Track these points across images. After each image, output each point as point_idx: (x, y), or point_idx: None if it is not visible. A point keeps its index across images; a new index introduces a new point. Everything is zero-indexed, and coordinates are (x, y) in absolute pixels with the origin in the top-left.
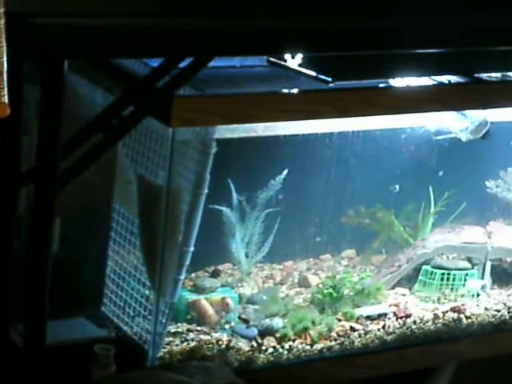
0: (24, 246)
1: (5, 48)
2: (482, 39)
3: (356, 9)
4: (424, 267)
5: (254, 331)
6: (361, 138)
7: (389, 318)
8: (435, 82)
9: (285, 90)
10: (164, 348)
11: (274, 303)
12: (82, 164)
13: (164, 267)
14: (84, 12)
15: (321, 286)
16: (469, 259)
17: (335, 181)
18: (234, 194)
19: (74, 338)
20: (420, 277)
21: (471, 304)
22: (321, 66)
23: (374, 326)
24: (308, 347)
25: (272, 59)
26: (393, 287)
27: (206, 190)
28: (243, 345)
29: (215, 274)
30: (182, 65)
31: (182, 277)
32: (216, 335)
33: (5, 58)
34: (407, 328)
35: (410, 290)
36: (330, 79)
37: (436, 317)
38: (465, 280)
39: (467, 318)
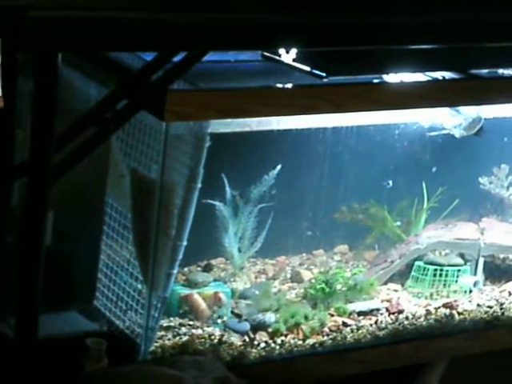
0: (16, 240)
1: None
2: (475, 35)
3: (351, 4)
4: (417, 263)
5: (247, 326)
6: (354, 134)
7: (381, 314)
8: (429, 78)
9: (279, 85)
10: (156, 342)
11: (266, 298)
12: (75, 157)
13: (157, 261)
14: (78, 5)
15: (313, 281)
16: (461, 255)
17: (328, 176)
18: (228, 189)
19: (66, 331)
20: (413, 273)
21: (464, 300)
22: (315, 61)
23: (366, 322)
24: (300, 342)
25: (266, 54)
26: (385, 283)
27: (199, 185)
28: (235, 339)
29: (207, 269)
30: (176, 59)
31: (175, 271)
32: (208, 330)
33: None
34: (399, 324)
35: (403, 285)
36: (324, 74)
37: (428, 313)
38: (457, 276)
39: (459, 314)
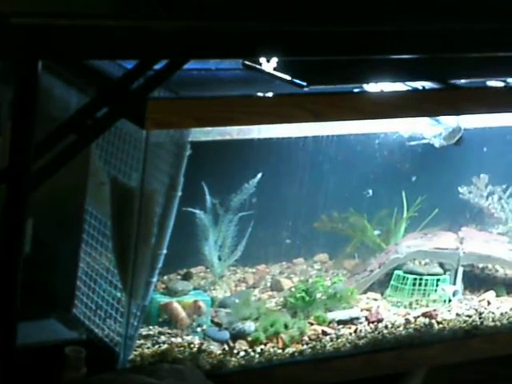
0: None
1: None
2: (455, 45)
3: (332, 14)
4: (396, 272)
5: (226, 334)
6: (335, 143)
7: (361, 323)
8: (409, 88)
9: (259, 94)
10: (135, 351)
11: (246, 307)
12: (55, 165)
13: (136, 269)
14: (59, 12)
15: (293, 289)
16: (441, 265)
17: (309, 185)
18: (208, 197)
19: (44, 339)
20: (392, 282)
21: (443, 309)
22: (296, 70)
23: (345, 331)
24: (280, 351)
25: (247, 62)
26: (365, 292)
27: (179, 193)
28: (215, 348)
29: (187, 277)
30: (157, 67)
31: (155, 279)
32: (188, 338)
33: None
34: (379, 332)
35: (382, 294)
36: (304, 83)
37: (407, 322)
38: (436, 285)
39: (439, 323)
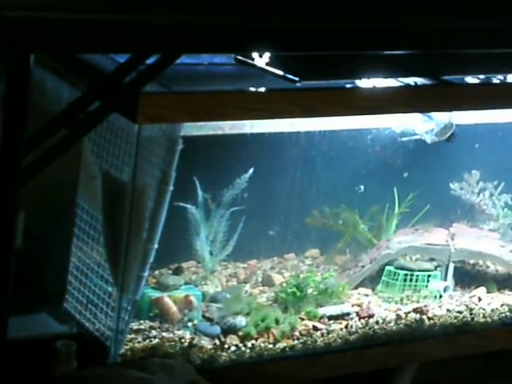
0: None
1: None
2: (448, 42)
3: (325, 9)
4: (387, 268)
5: (217, 329)
6: (327, 138)
7: (351, 318)
8: (401, 84)
9: (252, 89)
10: (126, 345)
11: (237, 302)
12: (47, 159)
13: (127, 264)
14: (51, 6)
15: (284, 285)
16: (432, 260)
17: (300, 180)
18: (200, 192)
19: (35, 333)
20: (383, 277)
21: (433, 305)
22: (288, 66)
23: (336, 326)
24: (271, 346)
25: (240, 57)
26: (356, 287)
27: (171, 187)
28: (206, 343)
29: (178, 272)
30: (150, 61)
31: (146, 274)
32: (179, 333)
33: None
34: (370, 328)
35: (373, 290)
36: (297, 79)
37: (398, 317)
38: (427, 281)
39: (429, 319)
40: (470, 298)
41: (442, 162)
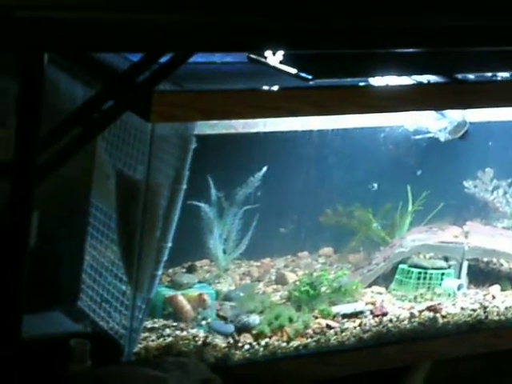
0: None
1: None
2: (461, 40)
3: (337, 7)
4: (401, 266)
5: (231, 328)
6: (340, 137)
7: (365, 316)
8: (415, 82)
9: (265, 87)
10: (140, 343)
11: (250, 300)
12: (61, 158)
13: (141, 262)
14: (65, 5)
15: (298, 283)
16: (445, 259)
17: (314, 179)
18: (213, 190)
19: (49, 332)
20: (396, 275)
21: (447, 303)
22: (301, 64)
23: (350, 324)
24: (284, 344)
25: (252, 56)
26: (369, 285)
27: (184, 186)
28: (219, 341)
29: (191, 270)
30: (163, 60)
31: (159, 272)
32: (192, 331)
33: None
34: (383, 326)
35: (387, 288)
36: (310, 77)
37: (412, 315)
38: (441, 279)
39: (443, 317)
40: (484, 296)
41: (456, 160)
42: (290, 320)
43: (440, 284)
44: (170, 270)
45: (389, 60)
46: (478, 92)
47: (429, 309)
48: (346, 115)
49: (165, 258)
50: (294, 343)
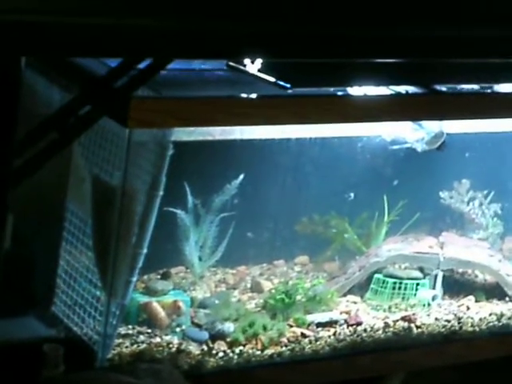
0: None
1: None
2: (439, 50)
3: (316, 16)
4: (376, 276)
5: (205, 335)
6: (317, 145)
7: (340, 326)
8: (392, 92)
9: (243, 95)
10: (114, 350)
11: (225, 307)
12: (36, 162)
13: (116, 268)
14: (43, 9)
15: (273, 291)
16: (421, 269)
17: (290, 187)
18: (190, 197)
19: (23, 337)
20: (372, 285)
21: (422, 314)
22: (280, 72)
23: (324, 333)
24: (259, 352)
25: (231, 63)
26: (344, 294)
27: (161, 192)
28: (194, 348)
29: (166, 276)
30: (141, 66)
31: (134, 278)
32: (167, 338)
33: None
34: (358, 336)
35: (362, 297)
36: (288, 85)
37: (386, 325)
38: (416, 289)
39: (417, 327)
40: (459, 306)
41: (433, 171)
42: (265, 328)
43: (415, 294)
44: (145, 277)
45: (368, 70)
46: (456, 103)
47: (403, 319)
48: (323, 124)
49: (140, 264)
50: (269, 351)
